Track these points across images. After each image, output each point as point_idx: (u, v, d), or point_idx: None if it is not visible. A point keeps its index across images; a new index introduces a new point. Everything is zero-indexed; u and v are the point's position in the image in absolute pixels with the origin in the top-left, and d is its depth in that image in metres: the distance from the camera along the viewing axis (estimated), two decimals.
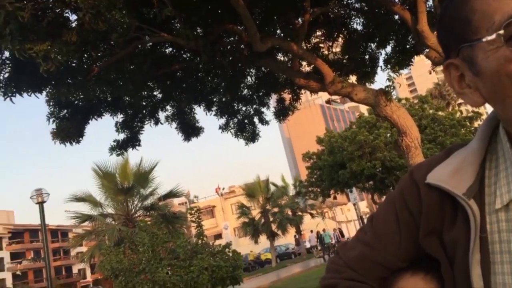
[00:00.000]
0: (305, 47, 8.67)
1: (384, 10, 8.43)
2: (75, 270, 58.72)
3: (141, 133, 9.42)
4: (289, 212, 35.17)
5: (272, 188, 35.12)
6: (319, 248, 27.95)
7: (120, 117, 9.17)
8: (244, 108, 10.21)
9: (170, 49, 8.33)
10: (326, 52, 9.52)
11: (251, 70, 9.58)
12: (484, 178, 0.74)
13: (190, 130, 9.95)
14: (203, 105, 9.73)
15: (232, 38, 8.34)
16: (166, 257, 9.17)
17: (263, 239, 33.94)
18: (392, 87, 7.26)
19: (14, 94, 5.91)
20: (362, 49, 9.39)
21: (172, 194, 21.94)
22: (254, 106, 10.23)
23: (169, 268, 8.85)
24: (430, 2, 8.26)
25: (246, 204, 34.40)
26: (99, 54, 6.69)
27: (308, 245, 34.98)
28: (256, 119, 10.35)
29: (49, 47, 4.96)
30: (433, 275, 0.81)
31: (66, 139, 7.90)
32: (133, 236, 13.27)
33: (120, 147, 9.32)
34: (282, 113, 10.21)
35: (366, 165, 24.37)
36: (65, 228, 53.29)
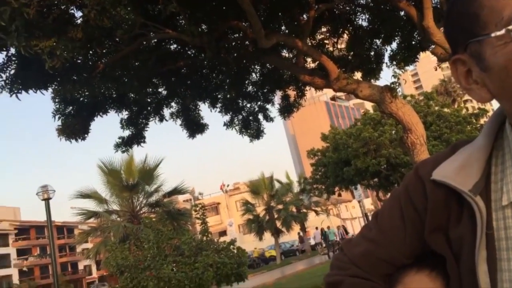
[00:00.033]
0: (310, 44, 8.65)
1: (389, 6, 8.39)
2: (81, 266, 59.13)
3: (146, 130, 9.46)
4: (294, 209, 35.21)
5: (277, 185, 35.18)
6: (323, 245, 27.96)
7: (125, 114, 9.21)
8: (248, 105, 10.21)
9: (175, 45, 8.34)
10: (331, 49, 9.49)
11: (256, 66, 9.57)
12: (490, 175, 0.73)
13: (194, 127, 9.96)
14: (208, 101, 9.74)
15: (237, 35, 8.33)
16: (171, 254, 9.21)
17: (267, 236, 34.03)
18: (397, 84, 7.23)
19: (20, 91, 5.95)
20: (368, 45, 9.35)
21: (177, 191, 22.02)
22: (259, 102, 10.23)
23: (174, 264, 8.88)
24: None
25: (251, 201, 34.47)
26: (104, 51, 6.71)
27: (312, 242, 35.01)
28: (260, 116, 10.35)
29: (54, 43, 4.97)
30: (438, 271, 0.80)
31: (71, 135, 7.94)
32: (138, 233, 13.32)
33: (125, 144, 9.35)
34: (286, 109, 10.20)
35: (371, 162, 24.29)
36: (70, 224, 53.62)
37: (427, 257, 0.82)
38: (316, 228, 30.40)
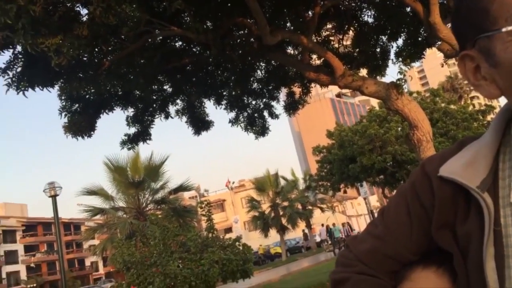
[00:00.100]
0: (315, 40, 8.61)
1: (395, 2, 8.33)
2: (87, 262, 59.57)
3: (152, 127, 9.48)
4: (299, 206, 35.20)
5: (282, 182, 35.19)
6: (329, 242, 27.95)
7: (131, 111, 9.23)
8: (254, 102, 10.21)
9: (180, 42, 8.34)
10: (336, 45, 9.45)
11: (261, 63, 9.56)
12: (498, 171, 0.73)
13: (200, 124, 9.98)
14: (213, 99, 9.74)
15: (242, 32, 8.32)
16: (177, 250, 9.25)
17: (273, 233, 34.07)
18: (403, 80, 7.20)
19: (26, 88, 5.97)
20: (373, 41, 9.30)
21: (182, 188, 22.10)
22: (264, 99, 10.22)
23: (180, 261, 8.92)
24: None
25: (256, 198, 34.53)
26: (109, 48, 6.73)
27: (318, 239, 35.02)
28: (266, 113, 10.34)
29: (60, 41, 4.99)
30: (445, 268, 0.80)
31: (78, 133, 7.98)
32: (144, 230, 13.39)
33: (131, 141, 9.39)
34: (292, 106, 10.18)
35: (376, 159, 24.23)
36: (77, 221, 54.03)
37: (433, 253, 0.82)
38: (322, 225, 30.39)
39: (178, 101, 9.72)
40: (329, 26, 9.42)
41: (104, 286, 33.83)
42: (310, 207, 36.42)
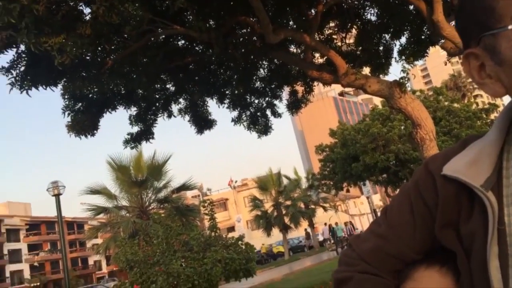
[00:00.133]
0: (318, 39, 8.60)
1: (398, 0, 8.31)
2: (91, 261, 59.76)
3: (155, 126, 9.51)
4: (302, 205, 35.19)
5: (285, 181, 35.18)
6: (331, 241, 27.95)
7: (133, 110, 9.26)
8: (256, 101, 10.21)
9: (183, 41, 8.35)
10: (339, 44, 9.43)
11: (264, 62, 9.56)
12: (502, 170, 0.72)
13: (202, 123, 9.99)
14: (216, 97, 9.75)
15: (245, 30, 8.32)
16: (180, 249, 9.26)
17: (275, 232, 34.07)
18: (406, 79, 7.17)
19: (30, 88, 6.00)
20: (376, 40, 9.28)
21: (185, 187, 22.11)
22: (267, 98, 10.22)
23: (183, 260, 8.93)
24: None
25: (259, 197, 34.53)
26: (112, 47, 6.74)
27: (321, 238, 35.00)
28: (268, 112, 10.34)
29: (64, 40, 5.01)
30: (448, 267, 0.80)
31: (81, 132, 8.00)
32: (147, 228, 13.40)
33: (134, 140, 9.41)
34: (294, 105, 10.18)
35: (379, 158, 24.18)
36: (80, 220, 54.20)
37: (437, 252, 0.81)
38: (325, 224, 30.37)
39: (181, 100, 9.74)
40: (332, 24, 9.41)
41: (107, 285, 33.91)
42: (312, 206, 36.40)
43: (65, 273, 13.27)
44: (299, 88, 10.15)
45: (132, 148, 9.58)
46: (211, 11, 6.98)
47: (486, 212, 0.69)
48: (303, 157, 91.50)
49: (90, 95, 8.21)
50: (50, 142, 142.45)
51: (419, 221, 0.79)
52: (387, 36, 9.29)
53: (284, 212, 33.82)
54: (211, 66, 9.07)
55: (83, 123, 7.95)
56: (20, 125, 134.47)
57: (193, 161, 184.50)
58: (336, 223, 28.51)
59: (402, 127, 23.97)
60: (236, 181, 55.55)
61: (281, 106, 13.18)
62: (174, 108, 9.76)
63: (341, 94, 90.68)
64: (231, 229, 46.10)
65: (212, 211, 9.98)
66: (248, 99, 10.07)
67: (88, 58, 6.50)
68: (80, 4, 5.81)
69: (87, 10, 5.89)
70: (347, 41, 9.51)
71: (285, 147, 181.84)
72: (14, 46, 5.79)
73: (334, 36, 9.43)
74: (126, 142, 9.41)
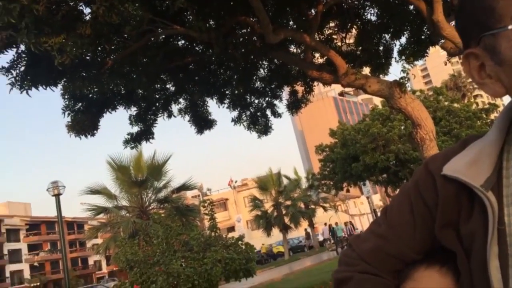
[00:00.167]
0: (318, 39, 8.60)
1: (398, 0, 8.31)
2: (91, 261, 59.77)
3: (155, 126, 9.51)
4: (302, 205, 35.18)
5: (285, 181, 35.17)
6: (331, 241, 27.95)
7: (133, 110, 9.26)
8: (256, 101, 10.21)
9: (183, 41, 8.35)
10: (339, 44, 9.43)
11: (264, 62, 9.56)
12: (502, 170, 0.72)
13: (202, 123, 9.99)
14: (216, 97, 9.75)
15: (245, 30, 8.32)
16: (180, 249, 9.26)
17: (275, 232, 34.06)
18: (406, 79, 7.17)
19: (30, 88, 6.00)
20: (376, 40, 9.28)
21: (185, 187, 22.10)
22: (267, 98, 10.22)
23: (183, 260, 8.93)
24: None
25: (259, 197, 34.52)
26: (112, 47, 6.74)
27: (321, 238, 34.99)
28: (268, 112, 10.34)
29: (63, 40, 5.01)
30: (448, 267, 0.80)
31: (81, 132, 8.00)
32: (147, 229, 13.40)
33: (134, 140, 9.41)
34: (294, 105, 10.18)
35: (379, 158, 24.18)
36: (80, 220, 54.20)
37: (437, 252, 0.81)
38: (325, 224, 30.38)
39: (181, 100, 9.74)
40: (332, 24, 9.41)
41: (107, 285, 33.91)
42: (313, 206, 36.40)
43: (65, 273, 13.27)
44: (299, 88, 10.15)
45: (132, 148, 9.59)
46: (211, 11, 6.98)
47: (486, 212, 0.69)
48: (303, 157, 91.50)
49: (90, 95, 8.21)
50: (50, 142, 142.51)
51: (419, 221, 0.79)
52: (387, 36, 9.29)
53: (284, 212, 33.81)
54: (211, 66, 9.08)
55: (83, 123, 7.95)
56: (20, 125, 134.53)
57: (193, 161, 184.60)
58: (336, 223, 28.51)
59: (402, 127, 23.97)
60: (236, 181, 55.57)
61: (281, 106, 13.18)
62: (174, 108, 9.77)
63: (341, 94, 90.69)
64: (231, 229, 46.09)
65: (212, 211, 9.98)
66: (248, 99, 10.07)
67: (88, 58, 6.50)
68: (80, 4, 5.81)
69: (87, 10, 5.90)
70: (347, 41, 9.51)
71: (285, 147, 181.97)
72: (14, 46, 5.79)
73: (334, 36, 9.43)
74: (126, 142, 9.41)
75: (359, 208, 58.60)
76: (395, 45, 9.44)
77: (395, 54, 9.43)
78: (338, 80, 7.57)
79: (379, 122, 25.33)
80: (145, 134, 9.44)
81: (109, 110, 8.52)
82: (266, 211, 33.89)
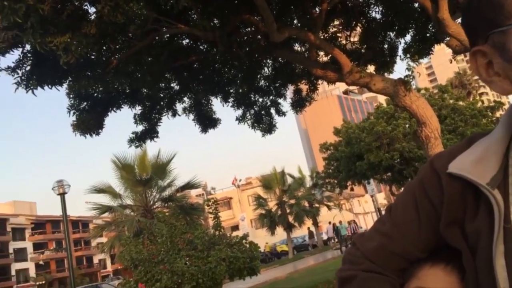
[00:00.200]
0: (322, 37, 8.59)
1: None
2: (95, 260, 60.04)
3: (159, 125, 9.52)
4: (306, 204, 35.15)
5: (289, 179, 35.15)
6: (335, 240, 27.91)
7: (138, 109, 9.28)
8: (260, 99, 10.20)
9: (187, 40, 8.36)
10: (344, 42, 9.41)
11: (268, 61, 9.55)
12: (508, 167, 0.72)
13: (207, 121, 10.00)
14: (220, 96, 9.75)
15: (249, 29, 8.31)
16: (184, 248, 9.27)
17: (279, 230, 34.07)
18: (411, 77, 7.15)
19: (35, 87, 6.02)
20: (381, 38, 9.25)
21: (189, 186, 22.14)
22: (271, 97, 10.21)
23: (187, 258, 8.94)
24: None
25: (263, 195, 34.53)
26: (117, 47, 6.76)
27: (325, 237, 34.96)
28: (272, 110, 10.33)
29: (69, 39, 5.03)
30: (453, 265, 0.79)
31: (86, 131, 8.03)
32: (151, 227, 13.43)
33: (138, 139, 9.43)
34: (299, 104, 10.16)
35: (384, 156, 24.10)
36: (85, 219, 54.43)
37: (441, 251, 0.81)
38: (329, 223, 30.35)
39: (185, 98, 9.75)
40: (336, 22, 9.38)
41: (112, 283, 34.06)
42: (317, 205, 36.36)
43: (70, 271, 13.34)
44: (303, 87, 10.13)
45: (136, 147, 9.62)
46: (215, 10, 6.98)
47: (492, 210, 0.69)
48: (307, 156, 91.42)
49: (95, 94, 8.24)
50: (55, 141, 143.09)
51: (424, 219, 0.79)
52: (392, 34, 9.25)
53: (288, 211, 33.80)
54: (215, 65, 9.08)
55: (88, 122, 7.98)
56: (25, 125, 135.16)
57: (197, 160, 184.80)
58: (340, 222, 28.47)
59: (407, 125, 23.89)
60: (240, 180, 55.67)
61: (285, 104, 13.16)
62: (179, 107, 9.78)
63: (346, 92, 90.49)
64: (235, 228, 46.14)
65: (216, 210, 10.00)
66: (252, 98, 10.07)
67: (93, 57, 6.53)
68: (85, 3, 5.83)
69: (92, 10, 5.92)
70: (352, 39, 9.48)
71: (289, 145, 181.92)
72: (19, 45, 5.81)
73: (339, 34, 9.40)
74: (131, 141, 9.44)
75: (364, 207, 58.48)
76: (400, 43, 9.39)
77: (400, 52, 9.39)
78: (342, 79, 7.55)
79: (383, 120, 25.25)
80: (150, 133, 9.46)
81: (114, 109, 8.55)
82: (270, 209, 33.89)
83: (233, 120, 10.42)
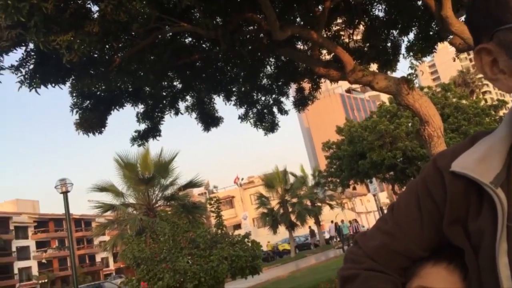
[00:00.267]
0: (325, 35, 8.57)
1: None
2: (98, 258, 60.19)
3: (162, 123, 9.54)
4: (308, 203, 35.13)
5: (291, 178, 35.11)
6: (337, 239, 27.90)
7: (141, 108, 9.30)
8: (263, 98, 10.20)
9: (190, 39, 8.36)
10: (346, 40, 9.39)
11: (271, 59, 9.54)
12: (511, 166, 0.72)
13: (209, 120, 10.00)
14: (223, 95, 9.76)
15: (252, 27, 8.31)
16: (186, 247, 9.29)
17: (282, 229, 34.05)
18: (414, 75, 7.13)
19: (39, 86, 6.04)
20: (384, 36, 9.22)
21: (192, 184, 22.14)
22: (274, 95, 10.20)
23: (189, 257, 8.96)
24: None
25: (265, 194, 34.49)
26: (120, 45, 6.76)
27: (327, 235, 34.93)
28: (275, 109, 10.33)
29: (72, 38, 5.04)
30: (456, 264, 0.79)
31: (89, 129, 8.05)
32: (154, 226, 13.46)
33: (141, 138, 9.45)
34: (301, 102, 10.16)
35: (386, 155, 24.06)
36: (88, 217, 54.53)
37: (444, 249, 0.81)
38: (331, 222, 30.33)
39: (187, 97, 9.76)
40: (339, 20, 9.36)
41: (115, 281, 34.14)
42: (319, 204, 36.32)
43: (72, 270, 13.37)
44: (306, 85, 10.12)
45: (139, 145, 9.64)
46: (218, 8, 6.98)
47: (495, 209, 0.68)
48: (310, 154, 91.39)
49: (98, 93, 8.25)
50: (58, 140, 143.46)
51: (426, 218, 0.79)
52: (395, 32, 9.22)
53: (290, 209, 33.77)
54: (218, 63, 9.08)
55: (91, 120, 8.00)
56: (28, 124, 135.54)
57: (199, 158, 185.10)
58: (342, 221, 28.45)
59: (410, 124, 23.84)
60: (242, 179, 55.67)
61: (288, 103, 13.19)
62: (181, 105, 9.79)
63: (348, 91, 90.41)
64: (237, 226, 46.16)
65: (218, 209, 10.01)
66: (254, 96, 10.07)
67: (96, 56, 6.53)
68: (88, 2, 5.84)
69: (95, 8, 5.93)
70: (355, 38, 9.46)
71: (292, 144, 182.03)
72: (23, 44, 5.83)
73: (342, 33, 9.39)
74: (134, 139, 9.45)
75: (366, 206, 58.40)
76: (403, 41, 9.36)
77: (403, 50, 9.37)
78: (345, 77, 7.54)
79: (386, 119, 25.20)
80: (152, 131, 9.48)
81: (117, 107, 8.56)
82: (272, 208, 33.87)
83: (235, 118, 10.43)
